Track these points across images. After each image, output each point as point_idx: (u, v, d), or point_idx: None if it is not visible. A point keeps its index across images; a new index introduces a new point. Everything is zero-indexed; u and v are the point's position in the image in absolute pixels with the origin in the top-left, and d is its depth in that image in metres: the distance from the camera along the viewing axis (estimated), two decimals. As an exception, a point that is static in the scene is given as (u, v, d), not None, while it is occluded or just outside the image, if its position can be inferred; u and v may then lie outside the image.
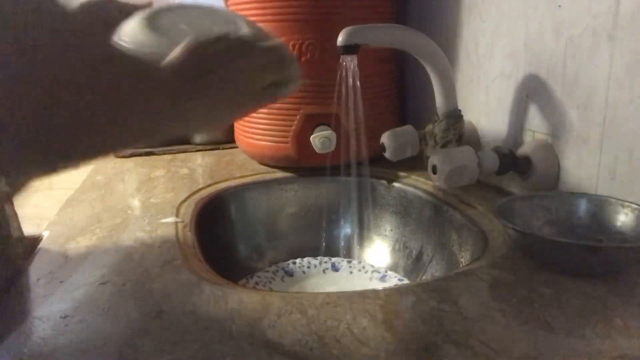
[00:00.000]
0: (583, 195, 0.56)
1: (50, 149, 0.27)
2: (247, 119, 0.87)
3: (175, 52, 0.33)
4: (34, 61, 0.25)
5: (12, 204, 0.56)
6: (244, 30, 0.41)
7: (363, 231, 0.83)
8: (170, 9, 0.42)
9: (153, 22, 0.39)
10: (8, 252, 0.51)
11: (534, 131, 0.66)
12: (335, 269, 0.79)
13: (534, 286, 0.46)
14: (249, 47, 0.38)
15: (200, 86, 0.34)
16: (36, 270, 0.51)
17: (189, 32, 0.37)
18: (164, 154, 0.99)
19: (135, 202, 0.73)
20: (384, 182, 0.82)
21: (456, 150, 0.65)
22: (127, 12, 0.45)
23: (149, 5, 0.51)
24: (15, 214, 0.56)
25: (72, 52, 0.26)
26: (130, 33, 0.37)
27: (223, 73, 0.35)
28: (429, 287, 0.46)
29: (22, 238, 0.56)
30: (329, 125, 0.80)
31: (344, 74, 0.65)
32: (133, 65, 0.30)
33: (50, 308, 0.44)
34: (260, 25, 0.79)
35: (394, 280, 0.75)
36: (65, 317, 0.42)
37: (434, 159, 0.63)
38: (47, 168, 0.28)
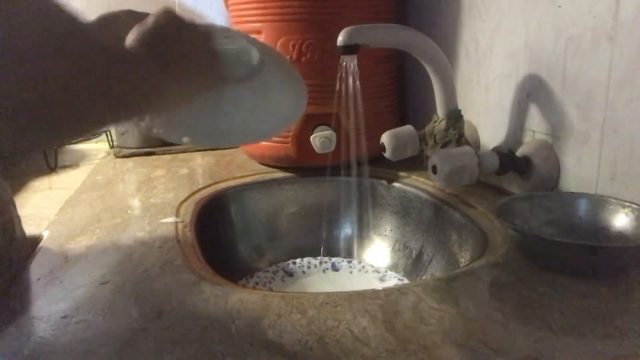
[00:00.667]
0: (583, 195, 0.56)
1: (44, 123, 0.31)
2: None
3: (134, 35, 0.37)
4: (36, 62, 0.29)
5: (15, 206, 0.56)
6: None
7: (363, 231, 0.83)
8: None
9: None
10: (11, 254, 0.51)
11: (534, 131, 0.66)
12: (335, 269, 0.79)
13: (534, 286, 0.46)
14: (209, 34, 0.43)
15: (165, 64, 0.38)
16: (36, 270, 0.51)
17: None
18: (164, 154, 0.99)
19: (135, 202, 0.73)
20: (384, 182, 0.82)
21: (456, 150, 0.65)
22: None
23: None
24: (18, 217, 0.56)
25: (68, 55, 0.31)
26: None
27: (182, 52, 0.40)
28: (429, 287, 0.46)
29: (25, 240, 0.56)
30: (329, 125, 0.80)
31: (344, 74, 0.65)
32: (114, 57, 0.35)
33: (50, 308, 0.44)
34: (261, 25, 0.79)
35: (394, 280, 0.75)
36: (65, 317, 0.42)
37: (434, 159, 0.63)
38: (42, 142, 0.33)
